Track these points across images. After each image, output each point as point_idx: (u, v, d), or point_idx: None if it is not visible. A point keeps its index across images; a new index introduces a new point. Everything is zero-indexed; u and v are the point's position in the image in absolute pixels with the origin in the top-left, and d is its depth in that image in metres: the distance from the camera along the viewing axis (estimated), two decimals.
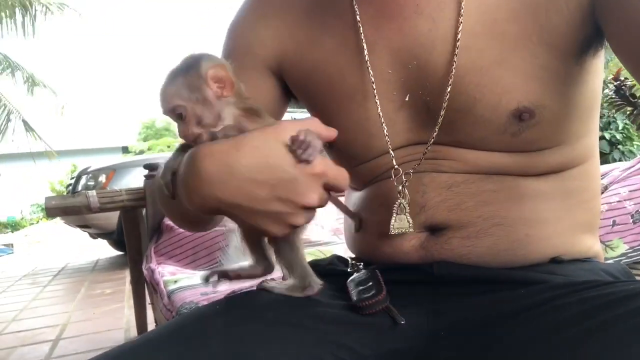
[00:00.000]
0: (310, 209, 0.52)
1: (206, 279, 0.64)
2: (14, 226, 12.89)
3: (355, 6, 0.66)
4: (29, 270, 5.20)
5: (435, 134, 0.62)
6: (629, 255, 1.25)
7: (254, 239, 0.62)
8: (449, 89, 0.60)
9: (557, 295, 0.52)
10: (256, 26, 0.75)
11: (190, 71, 0.55)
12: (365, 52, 0.64)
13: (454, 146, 0.63)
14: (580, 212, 0.65)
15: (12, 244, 8.02)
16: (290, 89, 0.76)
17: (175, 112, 0.54)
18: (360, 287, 0.62)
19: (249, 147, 0.49)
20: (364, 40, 0.64)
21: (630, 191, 1.28)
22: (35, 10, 8.36)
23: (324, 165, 0.51)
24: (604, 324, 0.43)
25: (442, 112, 0.61)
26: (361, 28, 0.65)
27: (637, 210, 1.30)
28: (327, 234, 1.71)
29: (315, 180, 0.50)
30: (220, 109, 0.55)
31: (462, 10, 0.59)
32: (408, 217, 0.62)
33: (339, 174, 0.53)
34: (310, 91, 0.72)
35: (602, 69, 0.65)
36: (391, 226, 0.62)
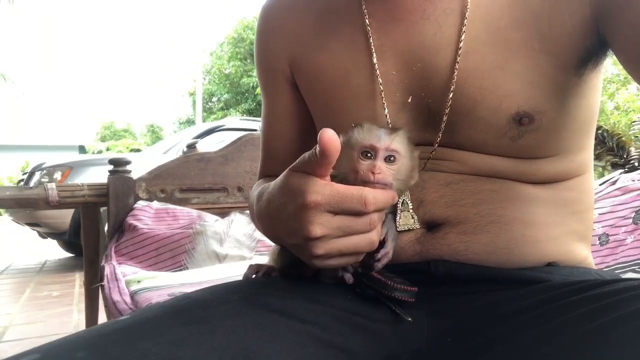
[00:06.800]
0: (321, 238, 0.50)
1: (250, 275, 0.69)
2: None
3: (365, 10, 0.67)
4: None
5: (439, 136, 0.63)
6: None
7: None
8: (451, 91, 0.61)
9: (557, 296, 0.51)
10: (271, 41, 0.79)
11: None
12: (374, 54, 0.66)
13: (453, 148, 0.64)
14: (574, 222, 0.67)
15: None
16: (301, 94, 0.77)
17: (389, 153, 0.56)
18: (389, 276, 0.61)
19: (271, 194, 0.56)
20: (372, 43, 0.66)
21: (599, 214, 1.31)
22: None
23: (317, 195, 0.49)
24: (605, 325, 0.42)
25: (446, 116, 0.62)
26: (370, 31, 0.66)
27: (605, 233, 1.34)
28: None
29: (312, 212, 0.50)
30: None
31: (466, 16, 0.61)
32: (412, 213, 0.62)
33: (344, 197, 0.50)
34: (316, 93, 0.74)
35: (601, 87, 0.66)
36: (397, 223, 0.62)
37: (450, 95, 0.61)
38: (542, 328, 0.47)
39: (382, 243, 0.61)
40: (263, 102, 0.84)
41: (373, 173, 0.53)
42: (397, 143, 0.55)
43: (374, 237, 0.52)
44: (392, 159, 0.55)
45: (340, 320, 0.56)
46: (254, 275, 0.69)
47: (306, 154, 0.51)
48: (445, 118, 0.62)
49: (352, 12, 0.69)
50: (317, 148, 0.48)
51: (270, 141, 0.84)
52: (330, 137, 0.47)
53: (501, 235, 0.62)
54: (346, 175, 0.55)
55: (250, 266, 0.71)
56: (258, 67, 0.83)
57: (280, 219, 0.54)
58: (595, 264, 1.27)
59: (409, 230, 0.62)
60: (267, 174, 0.84)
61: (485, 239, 0.62)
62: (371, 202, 0.50)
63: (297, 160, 0.52)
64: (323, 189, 0.50)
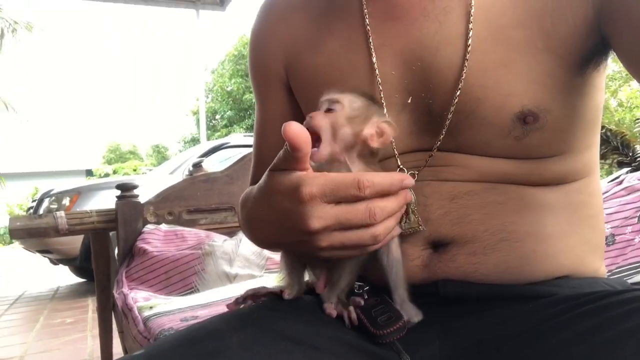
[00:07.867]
0: (322, 231, 0.49)
1: (238, 302, 0.65)
2: None
3: (365, 9, 0.66)
4: None
5: (441, 136, 0.61)
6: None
7: (295, 262, 0.63)
8: (457, 91, 0.59)
9: (567, 309, 0.51)
10: (266, 43, 0.77)
11: (374, 102, 0.59)
12: (373, 53, 0.64)
13: (456, 152, 0.62)
14: (585, 229, 0.64)
15: None
16: (295, 96, 0.75)
17: (330, 105, 0.57)
18: (375, 314, 0.58)
19: (256, 198, 0.56)
20: (371, 43, 0.64)
21: (607, 214, 1.30)
22: (2, 28, 8.19)
23: (311, 187, 0.48)
24: (617, 336, 0.42)
25: (450, 115, 0.60)
26: (369, 30, 0.65)
27: (612, 234, 1.33)
28: None
29: (308, 206, 0.48)
30: (356, 147, 0.56)
31: (472, 13, 0.59)
32: (416, 215, 0.60)
33: (339, 184, 0.48)
34: (311, 96, 0.70)
35: (604, 85, 0.65)
36: (402, 224, 0.60)
37: (457, 96, 0.59)
38: (553, 341, 0.47)
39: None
40: (257, 107, 0.82)
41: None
42: (338, 94, 0.56)
43: (378, 230, 0.50)
44: (332, 108, 0.56)
45: (352, 347, 0.55)
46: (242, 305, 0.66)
47: (281, 152, 0.50)
48: (449, 117, 0.60)
49: (350, 11, 0.68)
50: (287, 144, 0.47)
51: (262, 147, 0.81)
52: (295, 131, 0.46)
53: (512, 253, 0.60)
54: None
55: (247, 291, 0.68)
56: (252, 71, 0.80)
57: (273, 220, 0.53)
58: (606, 265, 1.27)
59: (413, 232, 0.61)
60: (258, 180, 0.83)
61: (495, 258, 0.60)
62: (366, 185, 0.48)
63: (275, 160, 0.51)
64: (316, 179, 0.48)
